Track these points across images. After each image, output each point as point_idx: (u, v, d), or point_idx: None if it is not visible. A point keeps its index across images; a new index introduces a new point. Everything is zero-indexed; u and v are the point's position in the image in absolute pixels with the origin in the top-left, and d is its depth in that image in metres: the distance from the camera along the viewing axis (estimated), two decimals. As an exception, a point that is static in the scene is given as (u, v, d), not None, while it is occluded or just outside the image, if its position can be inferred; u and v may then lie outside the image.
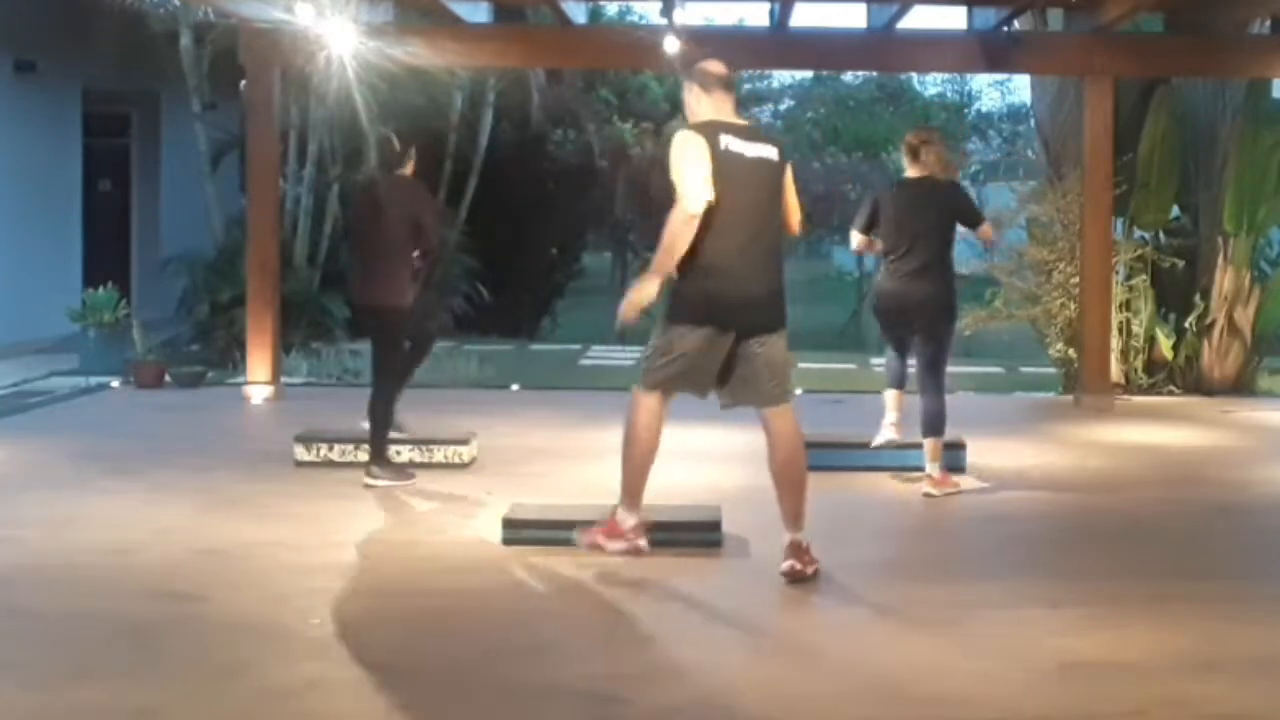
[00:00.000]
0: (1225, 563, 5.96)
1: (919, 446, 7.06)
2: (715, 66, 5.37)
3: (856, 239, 7.45)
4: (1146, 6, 9.96)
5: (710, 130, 5.16)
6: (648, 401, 5.26)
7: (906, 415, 7.35)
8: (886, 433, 7.50)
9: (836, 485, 7.16)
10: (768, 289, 5.26)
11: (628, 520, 5.31)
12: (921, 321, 7.10)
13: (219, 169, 14.43)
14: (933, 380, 7.05)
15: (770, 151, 5.30)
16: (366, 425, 7.21)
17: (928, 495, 6.90)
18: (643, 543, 5.29)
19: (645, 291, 5.17)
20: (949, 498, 6.90)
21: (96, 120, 15.46)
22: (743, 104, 31.95)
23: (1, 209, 13.30)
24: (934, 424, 6.96)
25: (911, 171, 7.22)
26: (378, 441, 7.05)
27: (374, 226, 7.18)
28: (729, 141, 5.14)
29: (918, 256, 7.03)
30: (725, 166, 5.09)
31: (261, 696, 4.03)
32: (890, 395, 7.52)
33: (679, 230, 5.06)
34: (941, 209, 7.14)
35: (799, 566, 5.20)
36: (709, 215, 5.06)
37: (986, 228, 7.46)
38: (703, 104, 5.31)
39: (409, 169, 7.35)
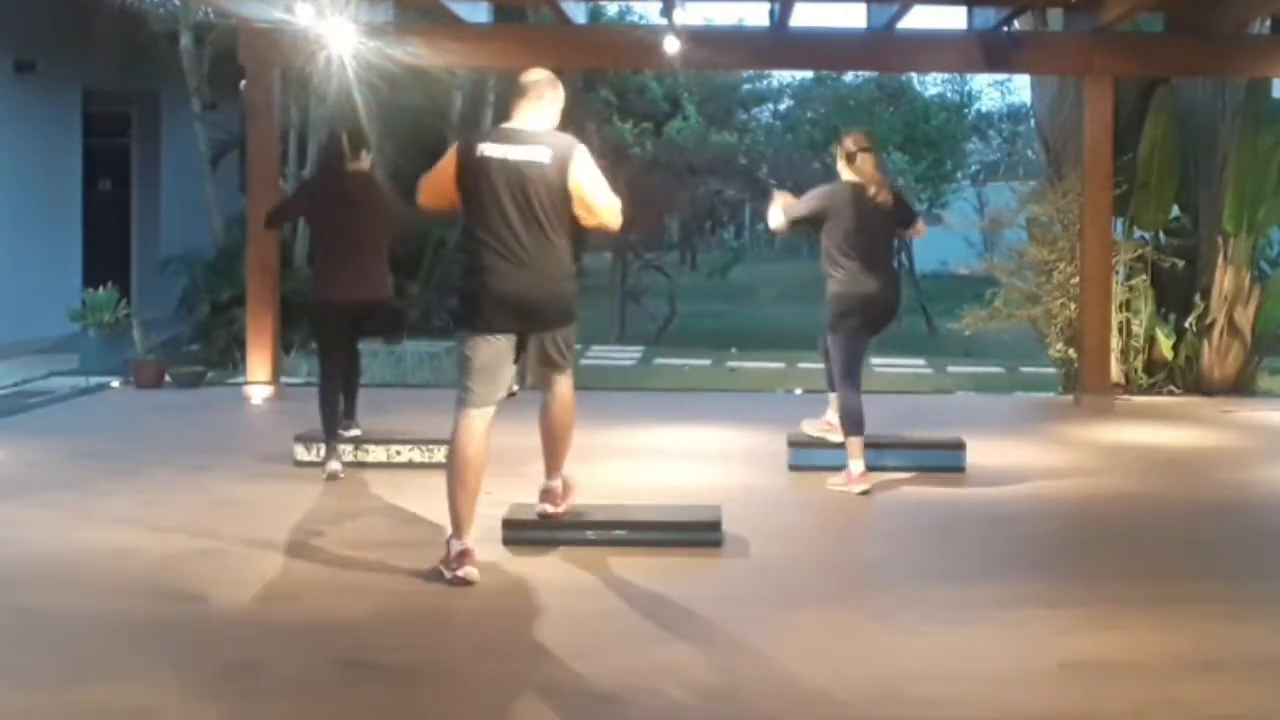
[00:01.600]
0: (1225, 563, 5.96)
1: (921, 446, 7.28)
2: (524, 75, 5.58)
3: (780, 221, 7.21)
4: (1146, 6, 9.96)
5: (474, 137, 5.52)
6: (469, 421, 5.29)
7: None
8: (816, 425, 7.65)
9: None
10: (543, 288, 5.35)
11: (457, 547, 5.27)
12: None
13: (219, 169, 14.43)
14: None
15: (539, 153, 5.32)
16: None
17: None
18: (470, 570, 5.19)
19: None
20: (958, 497, 6.92)
21: (96, 120, 15.47)
22: (743, 104, 31.93)
23: (1, 209, 13.30)
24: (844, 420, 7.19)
25: (853, 175, 7.12)
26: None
27: (358, 222, 7.30)
28: (486, 147, 5.34)
29: (886, 261, 7.38)
30: (480, 170, 5.28)
31: (261, 696, 4.03)
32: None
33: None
34: (889, 214, 7.23)
35: (551, 509, 5.80)
36: (474, 216, 5.33)
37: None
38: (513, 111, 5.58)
39: (366, 163, 7.46)
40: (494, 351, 5.30)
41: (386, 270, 7.48)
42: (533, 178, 5.29)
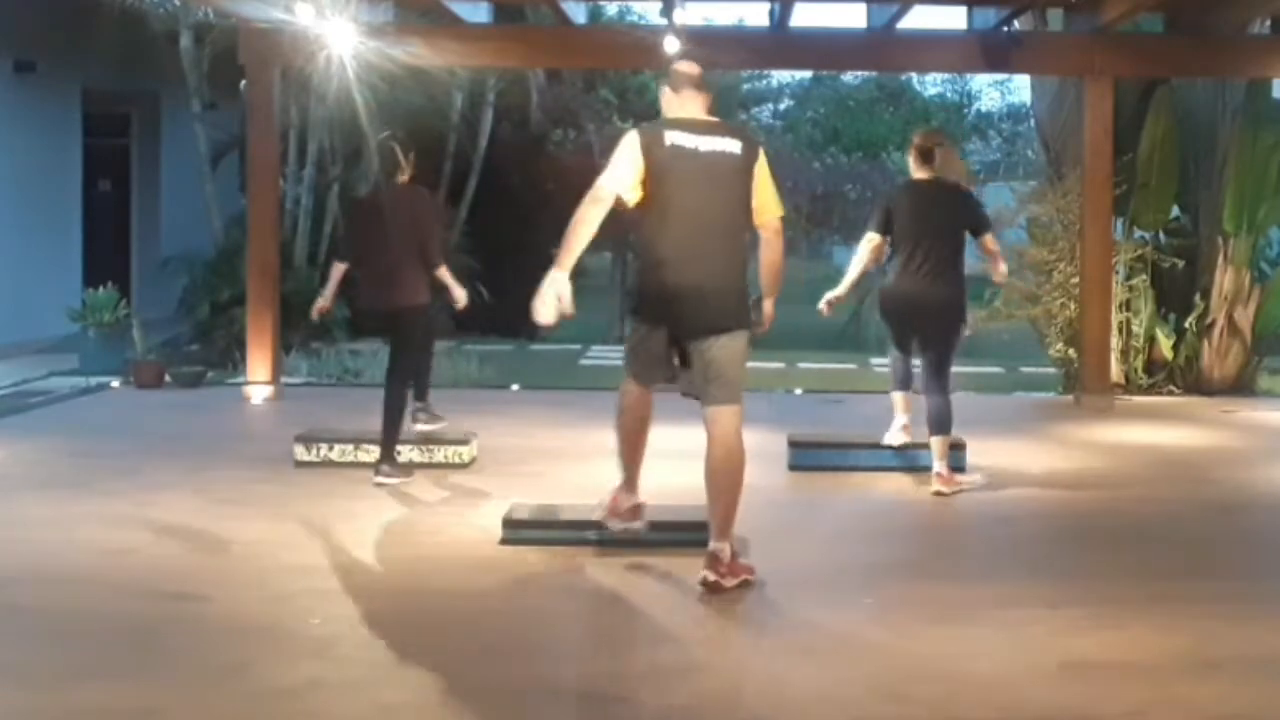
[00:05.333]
0: (1225, 563, 5.96)
1: (927, 446, 7.11)
2: (686, 66, 5.40)
3: (873, 241, 7.20)
4: (1146, 6, 9.97)
5: (656, 128, 5.21)
6: (626, 385, 5.42)
7: (915, 415, 7.35)
8: (898, 435, 7.46)
9: (836, 485, 7.18)
10: (714, 285, 5.11)
11: (626, 500, 5.48)
12: (931, 323, 7.09)
13: (219, 169, 14.43)
14: (938, 381, 7.05)
15: (731, 145, 5.17)
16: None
17: (938, 494, 6.91)
18: (638, 525, 5.45)
19: (555, 286, 4.97)
20: (954, 496, 6.91)
21: (96, 120, 15.45)
22: (743, 104, 32.01)
23: (1, 209, 13.30)
24: (941, 423, 6.98)
25: (921, 174, 7.18)
26: (390, 440, 7.09)
27: (379, 233, 7.20)
28: (676, 137, 5.11)
29: (930, 258, 7.01)
30: (671, 162, 5.07)
31: (261, 696, 4.03)
32: (898, 397, 7.48)
33: (579, 213, 5.05)
34: (952, 211, 7.12)
35: (712, 578, 4.98)
36: (657, 210, 5.08)
37: (990, 239, 7.17)
38: (670, 103, 5.34)
39: (408, 175, 7.35)
40: (645, 335, 5.29)
41: (414, 277, 7.21)
42: (725, 171, 5.14)
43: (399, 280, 7.16)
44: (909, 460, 7.43)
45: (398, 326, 7.31)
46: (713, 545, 5.04)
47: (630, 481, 5.49)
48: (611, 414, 5.48)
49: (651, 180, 5.07)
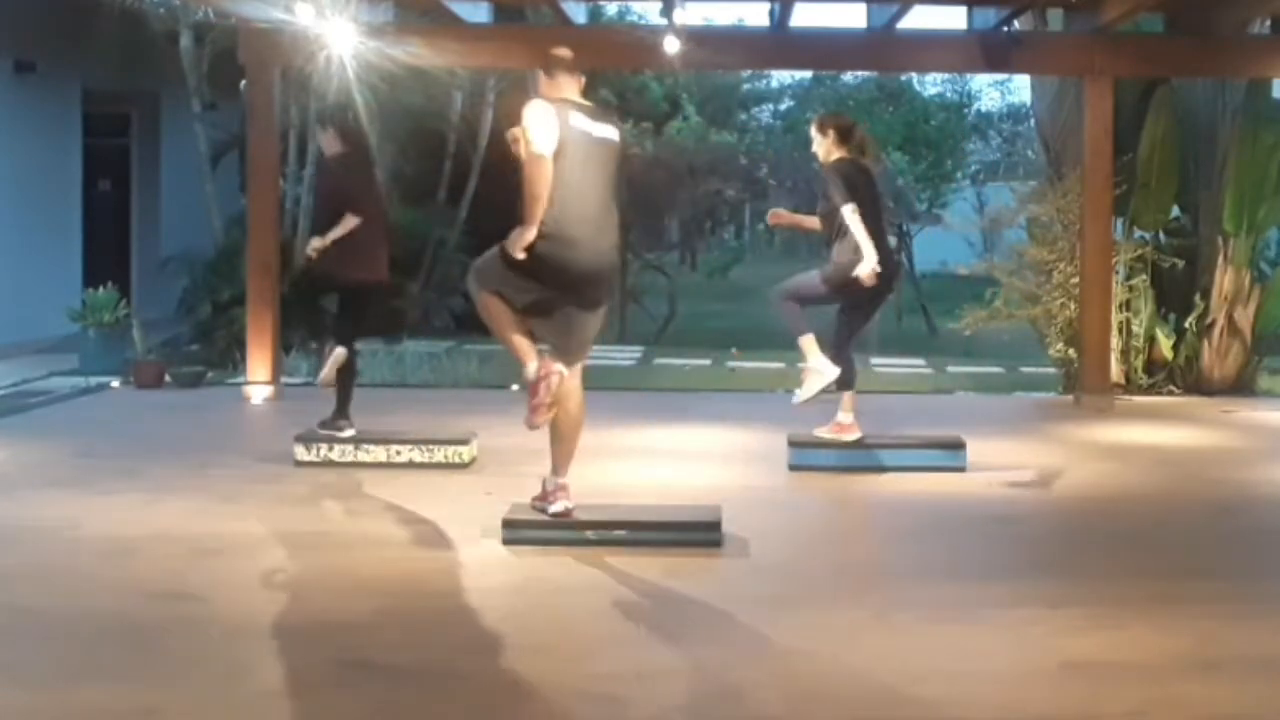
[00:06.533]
0: (1225, 563, 5.96)
1: (921, 446, 7.29)
2: (560, 51, 5.69)
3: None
4: (1146, 6, 9.96)
5: (560, 106, 5.48)
6: (492, 298, 5.53)
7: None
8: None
9: (836, 485, 7.18)
10: (611, 263, 5.66)
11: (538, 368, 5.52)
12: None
13: (219, 169, 14.43)
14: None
15: (613, 132, 5.64)
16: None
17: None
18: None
19: (524, 239, 5.36)
20: (952, 496, 6.93)
21: (96, 120, 15.46)
22: (743, 104, 31.91)
23: (2, 209, 13.30)
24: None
25: (844, 152, 7.36)
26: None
27: (377, 202, 7.61)
28: (576, 119, 5.45)
29: (884, 234, 7.51)
30: (573, 142, 5.39)
31: (261, 696, 4.03)
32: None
33: (534, 175, 5.31)
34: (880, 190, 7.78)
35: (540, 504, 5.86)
36: (559, 188, 5.35)
37: None
38: (546, 87, 5.63)
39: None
40: (539, 296, 5.53)
41: None
42: (611, 154, 5.59)
43: (384, 251, 7.61)
44: (910, 460, 7.46)
45: (382, 294, 7.81)
46: (563, 479, 5.78)
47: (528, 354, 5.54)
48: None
49: (555, 154, 5.38)
